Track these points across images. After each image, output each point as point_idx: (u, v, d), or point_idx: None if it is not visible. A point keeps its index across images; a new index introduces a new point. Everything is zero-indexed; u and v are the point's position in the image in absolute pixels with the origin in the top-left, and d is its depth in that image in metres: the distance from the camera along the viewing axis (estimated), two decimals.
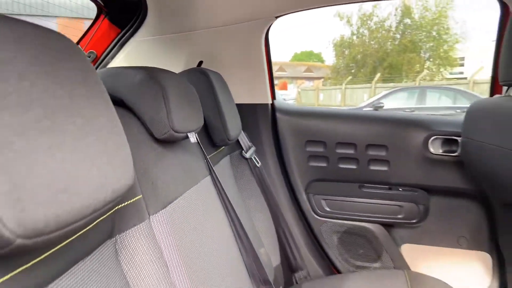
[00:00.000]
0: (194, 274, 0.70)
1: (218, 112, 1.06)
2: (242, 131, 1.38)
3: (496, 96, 1.20)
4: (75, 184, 0.37)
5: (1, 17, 0.36)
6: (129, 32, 1.35)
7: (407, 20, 19.43)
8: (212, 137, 1.09)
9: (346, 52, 21.42)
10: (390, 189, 1.46)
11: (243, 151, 1.36)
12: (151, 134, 0.71)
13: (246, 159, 1.38)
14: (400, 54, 19.18)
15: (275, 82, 1.61)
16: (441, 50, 18.37)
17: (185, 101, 0.78)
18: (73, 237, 0.45)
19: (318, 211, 1.50)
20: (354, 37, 21.05)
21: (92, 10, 1.31)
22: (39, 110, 0.35)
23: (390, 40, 20.03)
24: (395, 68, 18.78)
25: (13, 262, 0.37)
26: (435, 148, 1.39)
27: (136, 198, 0.61)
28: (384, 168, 1.45)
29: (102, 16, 1.29)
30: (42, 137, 0.35)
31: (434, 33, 18.51)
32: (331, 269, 1.53)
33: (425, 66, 18.56)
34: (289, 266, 1.47)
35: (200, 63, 1.42)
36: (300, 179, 1.52)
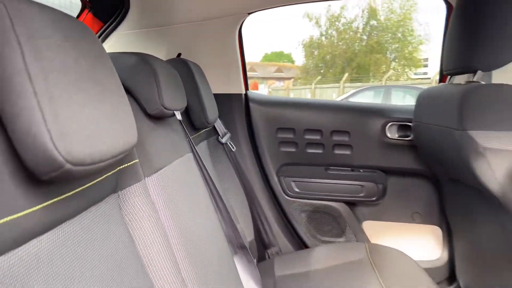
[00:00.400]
0: (183, 231, 0.81)
1: (197, 97, 1.17)
2: (218, 119, 1.49)
3: (441, 84, 1.38)
4: (100, 132, 0.49)
5: (40, 4, 0.47)
6: (112, 25, 1.44)
7: (374, 22, 20.01)
8: (192, 120, 1.20)
9: (315, 52, 21.82)
10: (352, 170, 1.62)
11: (219, 137, 1.48)
12: (144, 110, 0.82)
13: (222, 144, 1.50)
14: (367, 54, 19.73)
15: None
16: (406, 51, 19.04)
17: (172, 83, 0.89)
18: (92, 182, 0.55)
19: (288, 192, 1.64)
20: (323, 38, 21.48)
21: (76, 5, 1.39)
22: (73, 75, 0.46)
23: (357, 41, 20.57)
24: (363, 68, 19.31)
25: (45, 192, 0.47)
26: (392, 133, 1.56)
27: (134, 161, 0.72)
28: (347, 152, 1.61)
29: (86, 11, 1.37)
30: (77, 94, 0.46)
31: (399, 35, 19.17)
32: (301, 244, 1.67)
33: (391, 67, 19.18)
34: (262, 243, 1.60)
35: (179, 55, 1.53)
36: (272, 163, 1.65)
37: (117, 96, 0.57)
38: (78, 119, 0.45)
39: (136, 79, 0.80)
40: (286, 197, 1.65)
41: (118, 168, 0.67)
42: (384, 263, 1.28)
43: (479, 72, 1.10)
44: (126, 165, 0.70)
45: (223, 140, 1.48)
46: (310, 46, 21.86)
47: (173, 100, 0.87)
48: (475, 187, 1.10)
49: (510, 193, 0.97)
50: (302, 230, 1.66)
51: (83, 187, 0.54)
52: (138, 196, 0.70)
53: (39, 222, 0.45)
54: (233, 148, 1.52)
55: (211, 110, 1.26)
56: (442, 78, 1.50)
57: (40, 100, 0.40)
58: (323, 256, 1.37)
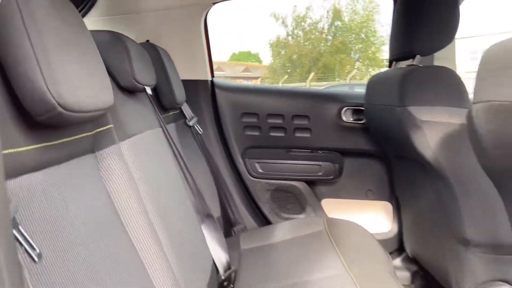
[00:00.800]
0: (155, 195, 0.89)
1: (166, 78, 1.26)
2: (185, 103, 1.58)
3: (387, 69, 1.53)
4: (84, 86, 0.57)
5: None
6: (81, 12, 1.50)
7: (338, 23, 20.51)
8: (161, 101, 1.28)
9: (282, 52, 22.10)
10: (311, 152, 1.75)
11: (186, 120, 1.56)
12: (117, 83, 0.90)
13: (190, 127, 1.58)
14: (332, 55, 20.20)
15: None
16: (369, 51, 19.66)
17: (142, 60, 0.97)
18: (76, 136, 0.64)
19: (253, 173, 1.75)
20: (290, 38, 21.79)
21: None
22: (61, 35, 0.55)
23: (323, 42, 21.01)
24: (328, 68, 19.76)
25: (39, 136, 0.55)
26: (347, 117, 1.70)
27: (109, 126, 0.80)
28: (307, 135, 1.73)
29: None
30: (65, 51, 0.54)
31: (362, 36, 19.76)
32: (264, 221, 1.78)
33: (355, 67, 19.75)
34: (228, 221, 1.69)
35: (147, 41, 1.60)
36: (237, 146, 1.75)
37: (96, 60, 0.65)
38: (66, 71, 0.53)
39: (109, 54, 0.88)
40: (251, 177, 1.76)
41: (96, 130, 0.75)
42: (340, 234, 1.40)
43: (417, 57, 1.25)
44: (102, 128, 0.78)
45: (191, 123, 1.56)
46: (277, 46, 22.13)
47: (144, 75, 0.96)
48: (417, 161, 1.25)
49: (442, 160, 1.12)
50: (266, 208, 1.77)
51: (69, 138, 0.62)
52: (114, 158, 0.78)
53: (32, 160, 0.53)
54: (200, 131, 1.61)
55: (179, 92, 1.34)
56: (390, 65, 1.66)
57: (36, 51, 0.48)
58: (284, 231, 1.48)
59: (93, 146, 0.74)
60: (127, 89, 0.93)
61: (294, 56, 21.31)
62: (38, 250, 0.46)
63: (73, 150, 0.65)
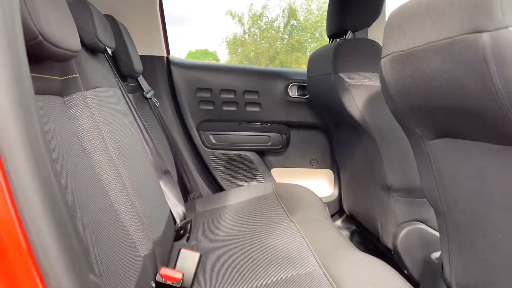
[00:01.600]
0: (119, 146, 0.99)
1: (124, 47, 1.37)
2: (142, 77, 1.68)
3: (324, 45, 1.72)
4: (60, 27, 0.69)
5: None
6: None
7: (294, 22, 20.94)
8: (120, 68, 1.39)
9: (239, 50, 22.20)
10: (261, 124, 1.91)
11: (144, 92, 1.67)
12: (82, 41, 1.01)
13: (147, 99, 1.69)
14: (288, 53, 20.57)
15: None
16: None
17: (104, 24, 1.09)
18: (50, 76, 0.75)
19: (207, 144, 1.89)
20: (246, 36, 21.96)
21: None
22: None
23: (279, 40, 21.35)
24: (285, 65, 20.10)
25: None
26: (293, 93, 1.88)
27: (75, 75, 0.91)
28: (257, 109, 1.89)
29: None
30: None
31: (317, 35, 20.29)
32: (218, 189, 1.93)
33: None
34: (184, 188, 1.82)
35: (107, 15, 1.69)
36: (192, 119, 1.88)
37: (67, 11, 0.77)
38: (46, 9, 0.65)
39: (74, 13, 0.98)
40: (205, 148, 1.89)
41: (64, 77, 0.86)
42: (286, 195, 1.57)
43: (349, 32, 1.44)
44: (69, 76, 0.89)
45: (148, 95, 1.67)
46: (234, 44, 22.22)
47: (106, 35, 1.07)
48: (350, 124, 1.44)
49: (367, 117, 1.31)
50: (220, 177, 1.91)
51: (40, 75, 0.74)
52: (80, 104, 0.90)
53: None
54: (157, 103, 1.72)
55: (137, 61, 1.45)
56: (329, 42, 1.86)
57: None
58: (237, 195, 1.63)
59: (61, 91, 0.86)
60: (90, 48, 1.04)
61: (251, 54, 21.50)
62: None
63: (42, 86, 0.76)
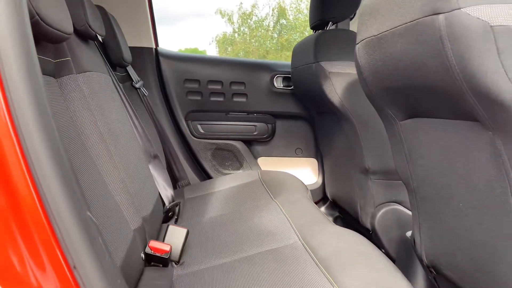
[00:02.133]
0: (110, 128, 1.04)
1: (114, 36, 1.42)
2: (131, 67, 1.73)
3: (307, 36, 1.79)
4: (55, 8, 0.74)
5: None
6: None
7: (283, 21, 21.04)
8: (109, 55, 1.43)
9: (229, 49, 22.23)
10: (248, 114, 1.97)
11: (133, 82, 1.72)
12: (74, 27, 1.06)
13: (136, 89, 1.74)
14: (278, 52, 20.66)
15: None
16: None
17: (95, 12, 1.14)
18: (41, 56, 0.80)
19: (195, 134, 1.94)
20: (236, 35, 21.99)
21: None
22: None
23: (269, 39, 21.44)
24: None
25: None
26: (278, 84, 1.94)
27: (67, 58, 0.96)
28: (243, 100, 1.96)
29: None
30: None
31: (306, 34, 20.40)
32: (206, 177, 1.98)
33: None
34: (173, 176, 1.87)
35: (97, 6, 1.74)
36: (181, 109, 1.94)
37: None
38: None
39: (67, 1, 1.04)
40: (193, 137, 1.95)
41: (57, 60, 0.91)
42: (271, 181, 1.63)
43: (330, 24, 1.52)
44: (62, 59, 0.94)
45: (137, 85, 1.72)
46: (224, 43, 22.26)
47: (97, 23, 1.12)
48: (331, 112, 1.51)
49: (346, 104, 1.39)
50: (207, 165, 1.97)
51: (41, 56, 0.79)
52: (72, 86, 0.95)
53: None
54: (146, 93, 1.77)
55: (126, 51, 1.50)
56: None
57: None
58: (224, 182, 1.69)
59: (55, 73, 0.91)
60: (81, 34, 1.09)
61: (241, 53, 21.55)
62: None
63: (46, 69, 0.81)
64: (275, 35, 21.26)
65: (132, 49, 1.73)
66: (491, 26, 0.58)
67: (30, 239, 0.46)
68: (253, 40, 21.69)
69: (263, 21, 21.31)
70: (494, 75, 0.60)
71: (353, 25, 1.85)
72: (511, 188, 0.71)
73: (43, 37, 0.75)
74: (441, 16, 0.63)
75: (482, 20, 0.59)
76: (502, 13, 0.58)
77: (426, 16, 0.67)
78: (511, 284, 0.79)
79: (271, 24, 21.14)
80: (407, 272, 1.15)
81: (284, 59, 20.27)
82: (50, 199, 0.44)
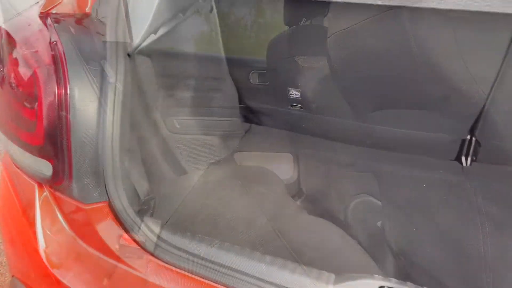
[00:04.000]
0: None
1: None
2: (105, 62, 1.70)
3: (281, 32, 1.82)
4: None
5: None
6: None
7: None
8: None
9: None
10: (224, 110, 1.98)
11: (107, 77, 1.69)
12: None
13: (110, 83, 1.72)
14: None
15: None
16: None
17: None
18: None
19: (171, 129, 1.94)
20: None
21: None
22: None
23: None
24: None
25: None
26: (254, 80, 1.96)
27: None
28: (219, 95, 1.96)
29: None
30: None
31: None
32: (182, 173, 1.97)
33: None
34: (149, 172, 1.86)
35: None
36: (156, 105, 1.92)
37: None
38: None
39: None
40: (169, 133, 1.94)
41: None
42: (247, 176, 1.65)
43: (304, 19, 1.54)
44: None
45: (111, 80, 1.70)
46: None
47: None
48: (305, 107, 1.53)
49: (316, 96, 1.41)
50: (183, 160, 1.97)
51: None
52: None
53: None
54: (121, 87, 1.75)
55: (99, 45, 1.48)
56: None
57: None
58: (200, 178, 1.70)
59: None
60: None
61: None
62: None
63: None
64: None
65: (106, 43, 1.71)
66: None
67: None
68: None
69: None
70: None
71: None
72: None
73: None
74: (404, 9, 0.66)
75: None
76: None
77: (391, 9, 0.70)
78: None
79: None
80: (378, 260, 1.19)
81: None
82: None
